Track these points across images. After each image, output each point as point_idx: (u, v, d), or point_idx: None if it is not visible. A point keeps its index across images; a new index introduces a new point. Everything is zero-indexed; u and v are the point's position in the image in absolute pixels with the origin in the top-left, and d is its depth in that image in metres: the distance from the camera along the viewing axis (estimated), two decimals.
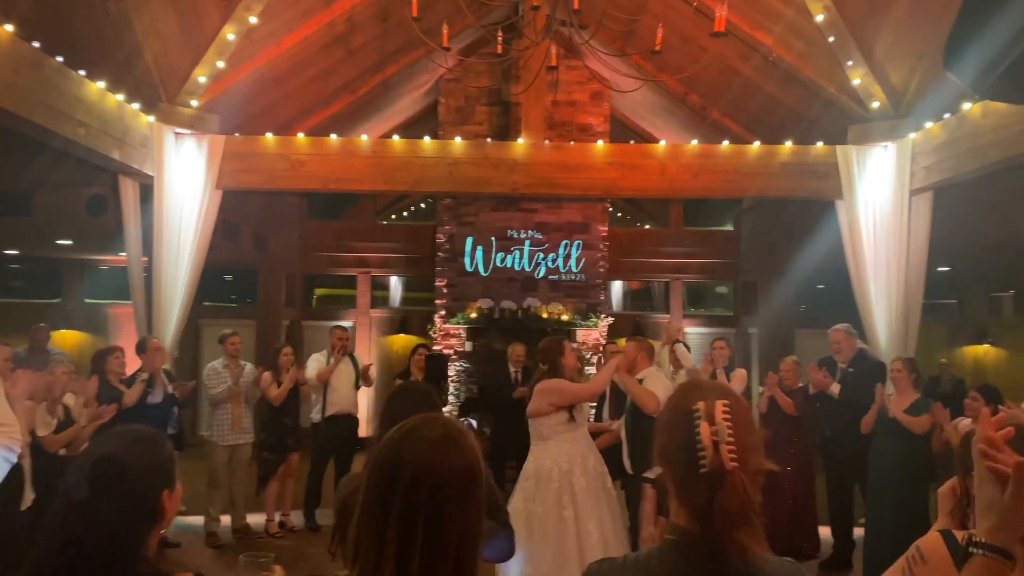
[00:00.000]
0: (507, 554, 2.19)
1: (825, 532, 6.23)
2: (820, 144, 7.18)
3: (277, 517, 6.77)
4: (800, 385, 6.35)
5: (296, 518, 6.93)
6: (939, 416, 5.25)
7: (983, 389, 5.18)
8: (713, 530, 1.31)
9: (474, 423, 8.07)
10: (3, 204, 8.08)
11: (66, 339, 10.49)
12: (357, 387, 7.10)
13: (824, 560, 6.05)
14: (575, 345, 9.81)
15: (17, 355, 6.10)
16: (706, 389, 1.42)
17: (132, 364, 6.09)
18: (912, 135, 6.69)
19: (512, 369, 7.67)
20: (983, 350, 11.66)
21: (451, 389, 10.00)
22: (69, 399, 5.03)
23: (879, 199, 6.91)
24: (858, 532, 6.04)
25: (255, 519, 6.82)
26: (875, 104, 6.81)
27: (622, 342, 10.65)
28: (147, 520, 1.48)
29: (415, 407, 2.26)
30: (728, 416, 1.34)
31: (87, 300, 11.35)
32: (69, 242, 9.39)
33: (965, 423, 5.16)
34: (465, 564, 1.25)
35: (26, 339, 8.12)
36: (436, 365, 7.13)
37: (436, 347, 10.24)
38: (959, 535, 1.90)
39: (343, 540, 2.24)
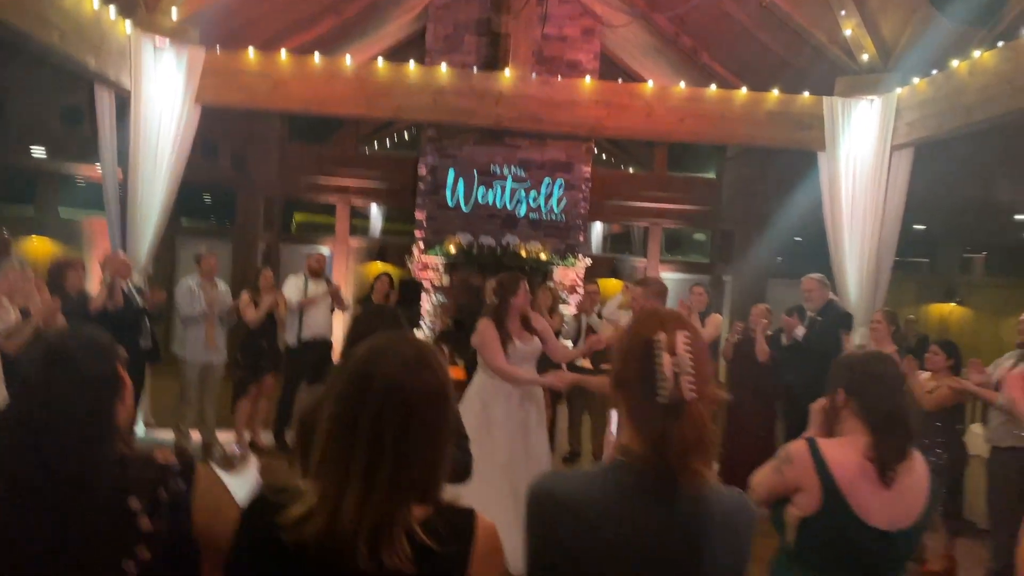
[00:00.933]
0: (465, 475, 2.26)
1: None
2: (807, 94, 7.16)
3: (247, 436, 6.87)
4: (769, 333, 6.47)
5: (266, 438, 7.03)
6: (908, 368, 5.39)
7: (943, 344, 5.33)
8: (668, 457, 1.36)
9: (446, 351, 8.16)
10: None
11: (37, 249, 10.38)
12: (332, 311, 7.15)
13: None
14: (551, 284, 9.88)
15: None
16: (665, 319, 1.45)
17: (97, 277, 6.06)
18: (898, 90, 6.69)
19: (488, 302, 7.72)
20: (949, 308, 11.91)
21: (426, 320, 10.06)
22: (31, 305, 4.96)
23: (861, 153, 6.94)
24: None
25: (225, 437, 6.91)
26: (864, 56, 6.78)
27: (610, 283, 10.79)
28: (108, 395, 1.50)
29: (381, 327, 2.30)
30: (689, 347, 1.39)
31: (61, 211, 11.19)
32: (42, 151, 9.20)
33: (925, 376, 5.32)
34: (431, 481, 1.28)
35: None
36: (409, 291, 7.17)
37: (413, 278, 10.27)
38: (821, 441, 2.21)
39: (304, 454, 2.29)
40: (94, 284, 6.00)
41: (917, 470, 2.21)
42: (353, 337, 2.35)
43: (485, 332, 4.49)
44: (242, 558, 1.30)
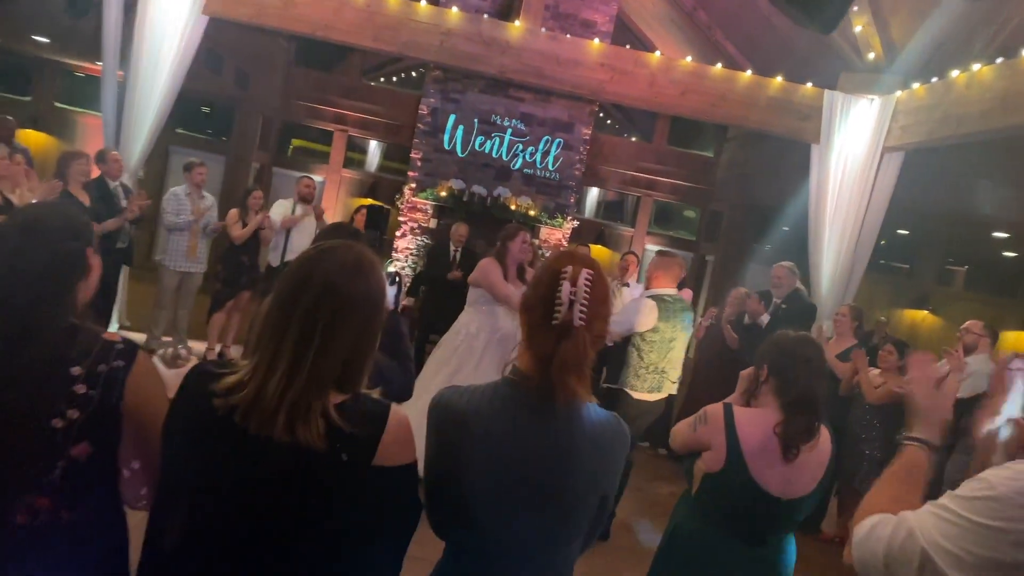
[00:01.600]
0: (405, 395, 2.40)
1: None
2: (809, 85, 7.21)
3: (218, 348, 7.00)
4: (734, 315, 6.63)
5: (236, 352, 7.17)
6: (858, 362, 5.56)
7: (897, 344, 5.51)
8: (550, 373, 1.52)
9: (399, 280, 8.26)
10: None
11: (32, 140, 10.33)
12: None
13: None
14: (536, 241, 9.97)
15: None
16: (577, 258, 1.61)
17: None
18: (898, 92, 6.76)
19: (452, 248, 7.83)
20: (922, 315, 12.11)
21: (401, 257, 10.15)
22: (23, 194, 5.06)
23: (853, 150, 7.03)
24: None
25: (196, 346, 7.04)
26: (870, 55, 6.83)
27: (595, 249, 10.89)
28: (72, 270, 1.60)
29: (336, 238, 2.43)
30: (588, 284, 1.55)
31: (57, 104, 11.11)
32: (45, 40, 9.12)
33: (874, 372, 5.50)
34: (351, 374, 1.42)
35: None
36: (375, 216, 7.27)
37: (401, 219, 10.33)
38: (737, 409, 2.42)
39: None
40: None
41: (821, 447, 2.38)
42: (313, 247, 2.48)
43: (487, 267, 4.89)
44: (178, 415, 1.45)
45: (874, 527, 1.41)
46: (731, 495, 2.35)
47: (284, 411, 1.34)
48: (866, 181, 6.95)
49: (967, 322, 5.41)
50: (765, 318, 6.16)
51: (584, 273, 1.55)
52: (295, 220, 6.93)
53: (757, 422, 2.37)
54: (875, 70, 6.90)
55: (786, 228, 11.24)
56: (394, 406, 1.46)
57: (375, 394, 1.48)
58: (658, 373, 4.58)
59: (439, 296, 7.65)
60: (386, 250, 7.24)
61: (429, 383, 4.60)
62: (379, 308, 1.46)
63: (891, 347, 5.51)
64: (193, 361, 1.71)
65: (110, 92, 6.84)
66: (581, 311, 1.53)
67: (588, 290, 1.54)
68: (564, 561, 1.64)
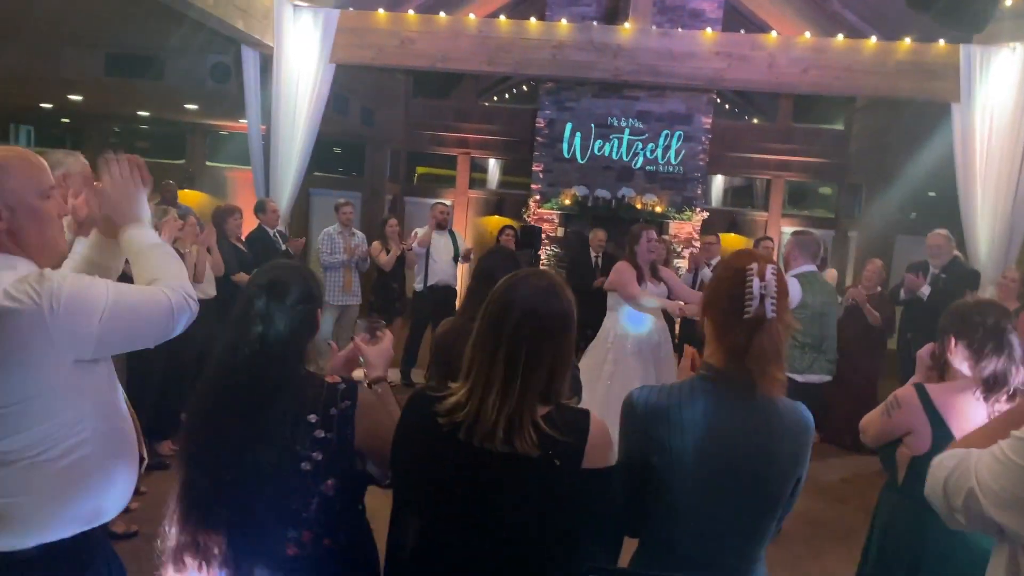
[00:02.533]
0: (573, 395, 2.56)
1: None
2: (942, 42, 6.84)
3: None
4: (879, 290, 6.37)
5: (392, 375, 7.56)
6: (1021, 326, 5.21)
7: None
8: (748, 365, 1.62)
9: None
10: (137, 67, 8.63)
11: (189, 199, 11.30)
12: (456, 261, 7.55)
13: None
14: (666, 237, 9.91)
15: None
16: (758, 255, 1.71)
17: (249, 224, 6.64)
18: None
19: (593, 254, 7.92)
20: None
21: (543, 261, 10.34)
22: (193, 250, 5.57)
23: (998, 104, 6.61)
24: None
25: (357, 373, 7.47)
26: (1008, 0, 6.40)
27: (729, 237, 10.68)
28: (308, 329, 1.83)
29: (502, 264, 2.65)
30: (775, 277, 1.65)
31: (208, 163, 12.10)
32: (195, 107, 9.98)
33: None
34: (554, 385, 1.60)
35: (156, 196, 8.87)
36: (527, 235, 7.49)
37: (530, 223, 10.54)
38: (930, 386, 2.37)
39: (437, 368, 2.66)
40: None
41: None
42: (478, 272, 2.79)
43: (621, 269, 5.03)
44: (406, 435, 1.66)
45: (943, 459, 1.51)
46: None
47: (502, 425, 1.52)
48: (1018, 134, 6.51)
49: None
50: (926, 290, 5.88)
51: (770, 268, 1.65)
52: (427, 236, 7.24)
53: (955, 394, 2.33)
54: (1015, 16, 6.46)
55: (932, 194, 10.64)
56: (592, 413, 1.62)
57: (572, 402, 1.63)
58: (814, 351, 4.56)
59: (586, 303, 7.74)
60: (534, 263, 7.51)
61: (588, 391, 4.73)
62: (573, 325, 1.64)
63: None
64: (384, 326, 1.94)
65: (256, 147, 7.42)
66: (772, 303, 1.63)
67: (776, 283, 1.65)
68: (759, 550, 1.73)
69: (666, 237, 9.90)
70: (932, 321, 5.72)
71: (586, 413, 1.61)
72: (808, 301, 4.51)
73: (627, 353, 4.98)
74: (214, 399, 1.75)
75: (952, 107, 6.85)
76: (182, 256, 5.30)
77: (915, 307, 5.98)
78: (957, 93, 6.77)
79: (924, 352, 2.51)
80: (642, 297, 4.96)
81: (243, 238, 6.37)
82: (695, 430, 1.64)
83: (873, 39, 7.12)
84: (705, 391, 1.69)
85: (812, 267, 4.67)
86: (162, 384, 4.69)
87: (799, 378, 4.62)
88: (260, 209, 6.64)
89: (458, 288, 7.71)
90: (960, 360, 2.36)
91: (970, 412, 2.27)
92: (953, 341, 2.37)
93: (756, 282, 1.63)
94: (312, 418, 1.72)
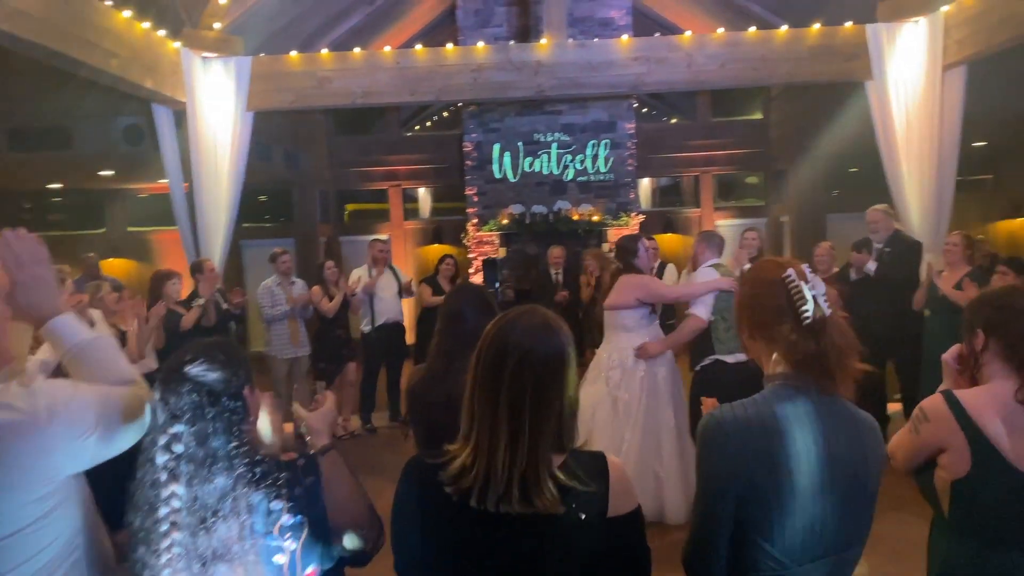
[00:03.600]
0: None
1: None
2: (849, 24, 7.03)
3: (339, 422, 7.18)
4: (835, 271, 6.46)
5: (354, 422, 7.34)
6: (969, 292, 5.33)
7: (1010, 262, 5.25)
8: (826, 366, 1.55)
9: None
10: (42, 139, 8.27)
11: (113, 267, 10.87)
12: (401, 296, 7.38)
13: None
14: (599, 249, 9.94)
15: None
16: (782, 260, 1.65)
17: (188, 286, 6.37)
18: (944, 7, 6.52)
19: (553, 271, 7.89)
20: (1018, 223, 11.57)
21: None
22: (131, 324, 5.31)
23: (910, 77, 6.80)
24: (892, 408, 6.26)
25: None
26: None
27: (666, 237, 10.74)
28: (242, 410, 1.64)
29: (470, 302, 2.52)
30: (814, 274, 1.61)
31: (130, 228, 11.67)
32: (110, 172, 9.61)
33: None
34: (565, 429, 1.47)
35: (76, 270, 8.46)
36: (490, 269, 7.42)
37: (471, 255, 10.46)
38: (960, 393, 2.00)
39: (415, 424, 2.50)
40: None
41: None
42: (446, 314, 2.58)
43: (640, 280, 4.75)
44: (408, 513, 1.50)
45: None
46: (995, 496, 1.90)
47: (517, 484, 1.38)
48: (932, 104, 6.69)
49: None
50: (872, 266, 5.97)
51: (806, 267, 1.61)
52: (372, 283, 7.07)
53: (992, 399, 1.96)
54: None
55: (854, 169, 10.94)
56: (609, 455, 1.50)
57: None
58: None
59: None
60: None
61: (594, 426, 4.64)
62: (573, 360, 1.51)
63: (1004, 267, 5.27)
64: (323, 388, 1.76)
65: (180, 206, 7.14)
66: (825, 301, 1.58)
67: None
68: (855, 560, 1.66)
69: (598, 250, 9.94)
70: (884, 295, 5.87)
71: (602, 456, 1.49)
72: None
73: (661, 378, 4.74)
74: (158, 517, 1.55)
75: (867, 85, 7.03)
76: (123, 335, 5.05)
77: (865, 284, 6.06)
78: (869, 71, 6.94)
79: (949, 356, 2.15)
80: (685, 290, 4.93)
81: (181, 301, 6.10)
82: (781, 446, 1.54)
83: (783, 28, 7.27)
84: (794, 399, 1.59)
85: (718, 260, 4.98)
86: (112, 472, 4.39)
87: (729, 359, 4.63)
88: (197, 270, 6.37)
89: (406, 324, 7.55)
90: (994, 358, 2.02)
91: (1015, 419, 1.92)
92: (983, 337, 2.04)
93: (804, 286, 1.57)
94: (276, 504, 1.56)
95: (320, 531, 1.59)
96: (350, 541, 1.67)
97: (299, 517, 1.57)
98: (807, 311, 1.55)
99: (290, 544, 1.56)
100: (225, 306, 6.30)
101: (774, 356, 1.64)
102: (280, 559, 1.55)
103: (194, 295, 6.11)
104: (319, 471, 1.63)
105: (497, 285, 7.19)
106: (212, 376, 1.60)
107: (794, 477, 1.52)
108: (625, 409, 4.69)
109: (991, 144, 10.37)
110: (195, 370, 1.59)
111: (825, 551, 1.57)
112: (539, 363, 1.44)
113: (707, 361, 4.79)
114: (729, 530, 1.56)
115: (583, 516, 1.40)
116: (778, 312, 1.59)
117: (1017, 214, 11.57)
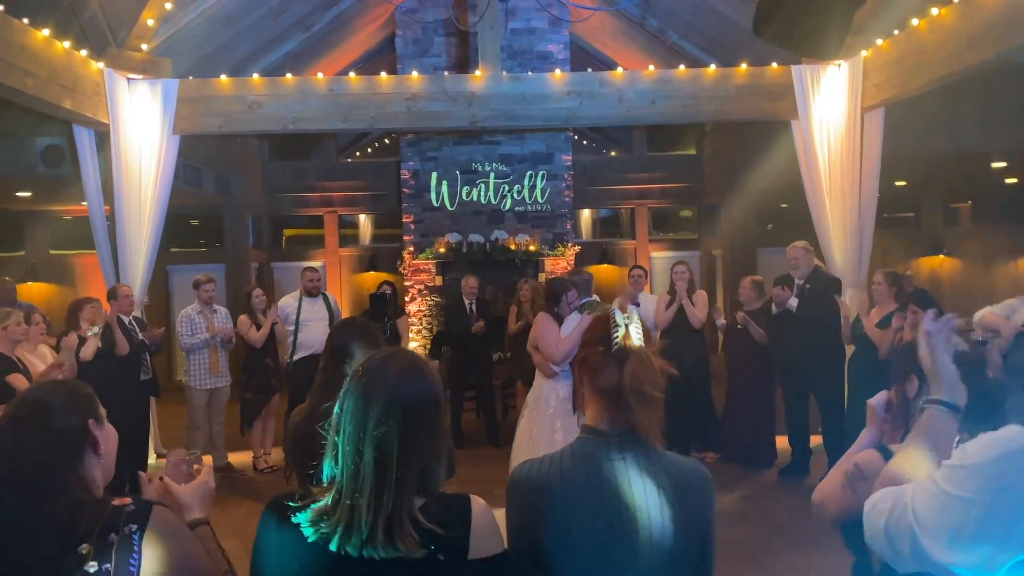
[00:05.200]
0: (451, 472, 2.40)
1: (782, 442, 6.55)
2: (775, 64, 7.24)
3: (260, 454, 6.97)
4: (758, 305, 6.58)
5: (276, 455, 7.13)
6: (896, 324, 5.44)
7: (914, 296, 5.28)
8: (623, 398, 1.52)
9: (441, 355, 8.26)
10: None
11: (33, 292, 10.45)
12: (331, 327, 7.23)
13: (783, 467, 6.39)
14: (534, 281, 9.94)
15: None
16: (618, 302, 1.67)
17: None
18: (864, 52, 6.77)
19: (467, 301, 7.84)
20: (939, 261, 12.01)
21: (413, 323, 10.15)
22: (44, 351, 5.10)
23: (833, 118, 7.02)
24: (814, 440, 6.36)
25: (237, 458, 7.01)
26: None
27: (602, 268, 10.81)
28: (72, 448, 1.57)
29: (356, 336, 2.45)
30: (637, 311, 1.62)
31: (52, 251, 11.25)
32: (28, 194, 9.27)
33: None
34: (430, 475, 1.43)
35: None
36: (377, 303, 7.25)
37: (407, 283, 10.37)
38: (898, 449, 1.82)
39: (296, 466, 2.40)
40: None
41: None
42: (329, 351, 2.55)
43: (543, 324, 4.88)
44: (267, 556, 1.44)
45: (876, 502, 1.38)
46: None
47: (381, 528, 1.35)
48: (853, 144, 6.92)
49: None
50: (793, 302, 6.10)
51: (629, 303, 1.70)
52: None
53: None
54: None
55: (784, 205, 11.23)
56: (472, 497, 1.47)
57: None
58: None
59: (464, 351, 7.67)
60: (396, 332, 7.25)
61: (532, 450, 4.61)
62: (442, 405, 1.48)
63: (914, 307, 5.37)
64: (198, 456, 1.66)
65: (101, 230, 6.89)
66: (638, 332, 1.58)
67: (639, 323, 1.61)
68: None
69: (533, 282, 9.96)
70: (803, 331, 5.99)
71: (466, 499, 1.46)
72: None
73: (548, 414, 4.74)
74: None
75: (792, 124, 7.23)
76: (25, 366, 4.82)
77: (786, 319, 6.18)
78: (795, 111, 7.15)
79: (876, 402, 2.01)
80: (567, 326, 4.81)
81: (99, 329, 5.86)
82: (571, 496, 1.53)
83: (712, 67, 7.45)
84: (588, 451, 1.58)
85: (591, 298, 5.37)
86: None
87: None
88: (112, 296, 6.15)
89: None
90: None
91: None
92: (917, 381, 1.96)
93: (619, 315, 1.59)
94: (83, 549, 1.42)
95: None
96: None
97: (105, 567, 1.43)
98: (616, 337, 1.55)
99: None
100: (140, 336, 6.09)
101: (589, 401, 1.63)
102: None
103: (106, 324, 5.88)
104: (147, 521, 1.49)
105: (386, 319, 7.07)
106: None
107: (572, 535, 1.51)
108: (533, 446, 4.65)
109: (911, 184, 10.77)
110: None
111: None
112: (407, 410, 1.40)
113: None
114: None
115: (442, 557, 1.37)
116: (598, 342, 1.60)
117: (937, 251, 12.01)
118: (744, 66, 7.27)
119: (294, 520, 1.40)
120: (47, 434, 1.54)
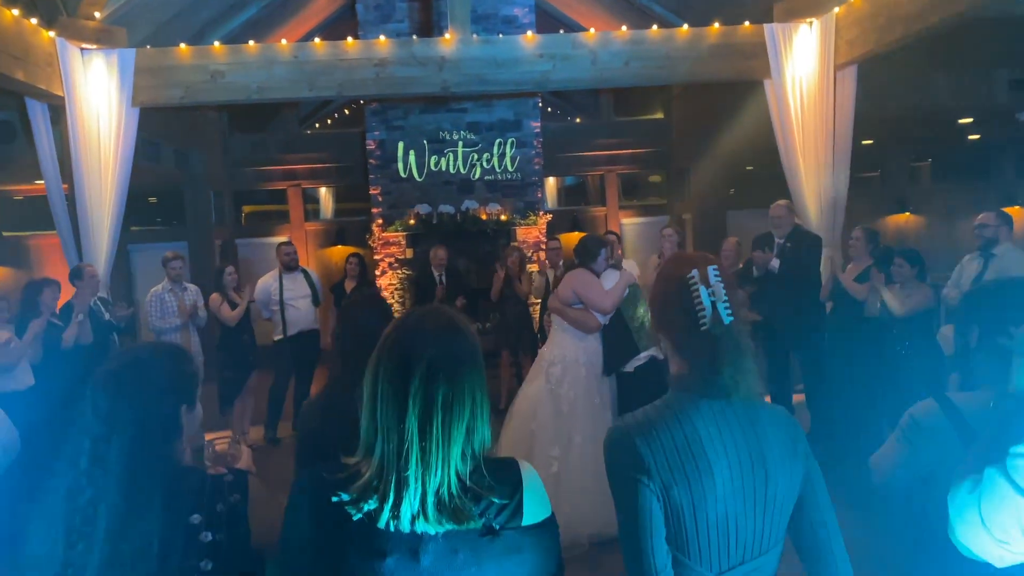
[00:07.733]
0: None
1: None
2: (747, 23, 7.18)
3: (239, 433, 6.82)
4: (740, 267, 6.58)
5: (255, 433, 7.00)
6: (875, 281, 5.51)
7: (906, 254, 5.43)
8: (718, 374, 1.48)
9: None
10: None
11: None
12: (315, 304, 7.09)
13: None
14: (516, 243, 9.90)
15: None
16: (694, 258, 1.57)
17: (67, 294, 5.89)
18: (836, 9, 6.74)
19: (436, 272, 7.75)
20: (904, 218, 12.19)
21: (385, 296, 10.01)
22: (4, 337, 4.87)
23: (805, 76, 7.00)
24: (796, 399, 6.41)
25: (215, 437, 6.84)
26: None
27: (573, 236, 10.76)
28: (166, 429, 1.56)
29: (372, 312, 2.32)
30: (719, 278, 1.52)
31: (5, 233, 10.83)
32: None
33: (895, 287, 5.43)
34: (476, 437, 1.33)
35: None
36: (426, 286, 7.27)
37: (377, 256, 10.20)
38: (957, 396, 1.86)
39: (303, 465, 2.27)
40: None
41: None
42: (350, 331, 2.32)
43: (578, 275, 4.80)
44: (306, 537, 1.32)
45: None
46: None
47: (431, 501, 1.26)
48: (826, 102, 6.91)
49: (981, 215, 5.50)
50: (776, 263, 6.09)
51: (711, 270, 1.53)
52: (238, 314, 6.66)
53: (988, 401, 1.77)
54: None
55: (750, 168, 11.27)
56: (519, 460, 1.40)
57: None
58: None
59: None
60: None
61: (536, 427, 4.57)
62: (482, 362, 1.39)
63: (900, 260, 5.45)
64: (238, 451, 1.59)
65: (60, 208, 6.61)
66: (726, 307, 1.50)
67: (724, 285, 1.51)
68: (774, 565, 1.58)
69: (515, 244, 9.89)
70: (787, 290, 6.00)
71: (515, 462, 1.39)
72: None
73: (580, 376, 4.71)
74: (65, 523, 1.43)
75: (765, 84, 7.19)
76: None
77: (768, 280, 6.17)
78: (768, 70, 7.11)
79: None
80: (605, 281, 4.82)
81: (58, 312, 5.63)
82: (708, 442, 1.48)
83: (685, 27, 7.36)
84: (685, 401, 1.53)
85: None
86: None
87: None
88: (76, 276, 5.91)
89: (321, 329, 7.26)
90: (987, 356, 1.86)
91: None
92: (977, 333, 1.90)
93: (703, 290, 1.50)
94: (195, 519, 1.44)
95: (242, 556, 1.47)
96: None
97: (218, 537, 1.45)
98: (704, 317, 1.49)
99: (205, 564, 1.43)
100: (107, 317, 5.87)
101: (674, 358, 1.60)
102: None
103: (69, 306, 5.63)
104: (247, 490, 1.52)
105: (394, 286, 7.05)
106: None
107: (705, 482, 1.46)
108: (570, 408, 4.63)
109: (878, 143, 10.86)
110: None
111: (743, 558, 1.51)
112: (452, 367, 1.31)
113: (642, 360, 4.77)
114: (661, 539, 1.47)
115: (498, 527, 1.30)
116: (681, 311, 1.53)
117: (902, 209, 12.18)
118: (716, 25, 7.20)
119: (334, 500, 1.29)
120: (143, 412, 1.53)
